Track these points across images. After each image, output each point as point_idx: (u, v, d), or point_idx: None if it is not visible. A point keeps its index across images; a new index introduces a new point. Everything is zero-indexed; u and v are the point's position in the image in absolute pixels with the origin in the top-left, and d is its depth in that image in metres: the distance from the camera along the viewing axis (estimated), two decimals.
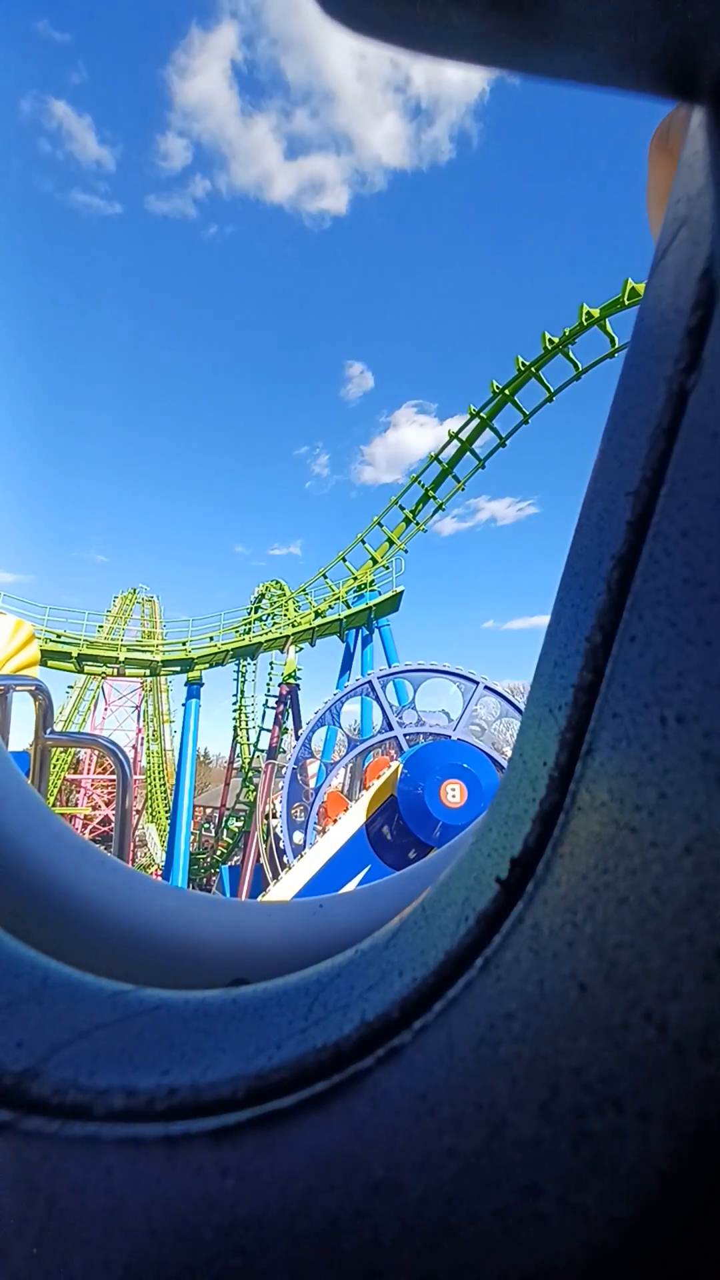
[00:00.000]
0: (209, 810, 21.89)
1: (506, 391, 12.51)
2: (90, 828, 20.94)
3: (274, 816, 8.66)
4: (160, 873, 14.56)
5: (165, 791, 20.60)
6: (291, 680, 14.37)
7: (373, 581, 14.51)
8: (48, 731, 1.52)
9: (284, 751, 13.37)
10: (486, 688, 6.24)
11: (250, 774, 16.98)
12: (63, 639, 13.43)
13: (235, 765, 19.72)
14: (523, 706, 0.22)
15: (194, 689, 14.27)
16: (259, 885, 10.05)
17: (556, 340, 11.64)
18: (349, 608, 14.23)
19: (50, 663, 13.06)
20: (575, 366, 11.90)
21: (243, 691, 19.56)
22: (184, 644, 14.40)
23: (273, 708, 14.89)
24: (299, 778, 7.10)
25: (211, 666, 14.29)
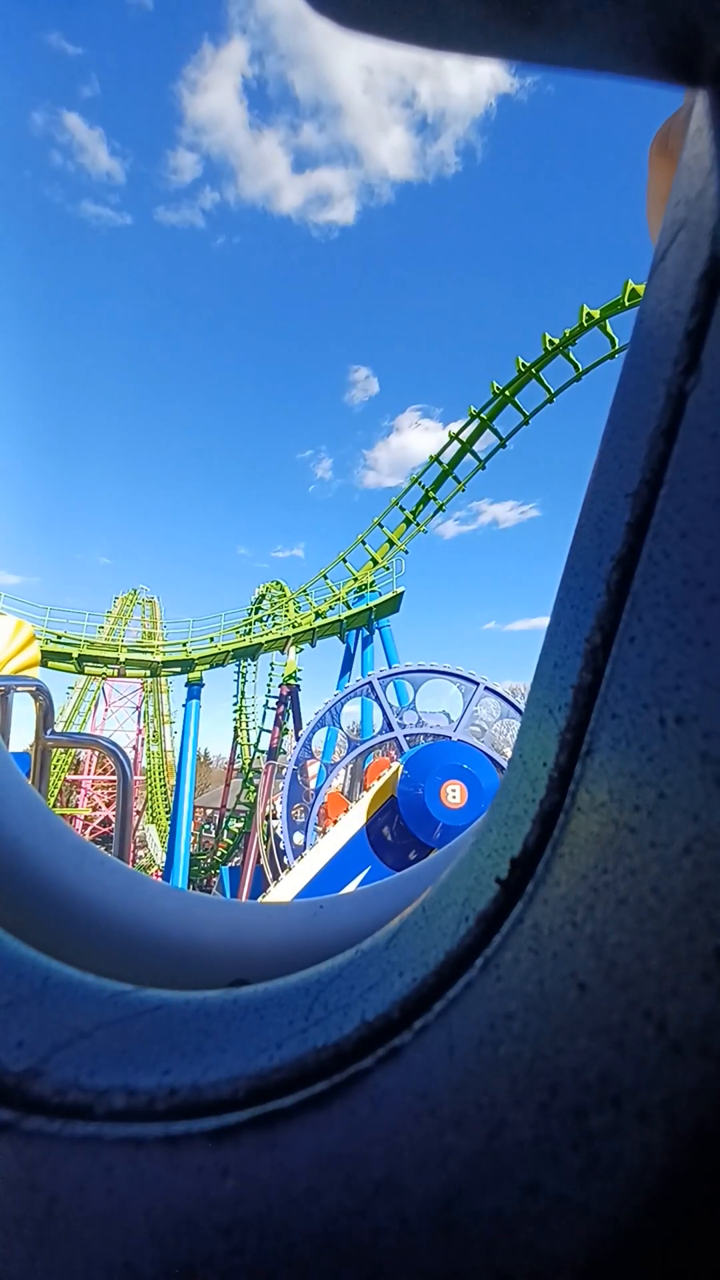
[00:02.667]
0: (209, 811, 21.88)
1: (507, 392, 12.52)
2: (90, 828, 20.92)
3: (274, 817, 8.66)
4: (160, 873, 14.54)
5: (165, 792, 20.59)
6: (292, 681, 14.36)
7: (373, 582, 14.51)
8: (48, 732, 1.52)
9: (284, 752, 13.36)
10: (487, 689, 6.24)
11: (250, 775, 16.97)
12: (63, 640, 13.44)
13: (235, 766, 19.72)
14: (523, 707, 0.22)
15: (194, 690, 14.27)
16: (259, 886, 10.04)
17: (557, 341, 11.65)
18: (349, 608, 14.23)
19: (51, 663, 13.07)
20: (576, 367, 11.91)
21: (243, 692, 19.57)
22: (184, 645, 14.41)
23: (273, 708, 14.89)
24: (299, 779, 7.10)
25: (212, 667, 14.29)
